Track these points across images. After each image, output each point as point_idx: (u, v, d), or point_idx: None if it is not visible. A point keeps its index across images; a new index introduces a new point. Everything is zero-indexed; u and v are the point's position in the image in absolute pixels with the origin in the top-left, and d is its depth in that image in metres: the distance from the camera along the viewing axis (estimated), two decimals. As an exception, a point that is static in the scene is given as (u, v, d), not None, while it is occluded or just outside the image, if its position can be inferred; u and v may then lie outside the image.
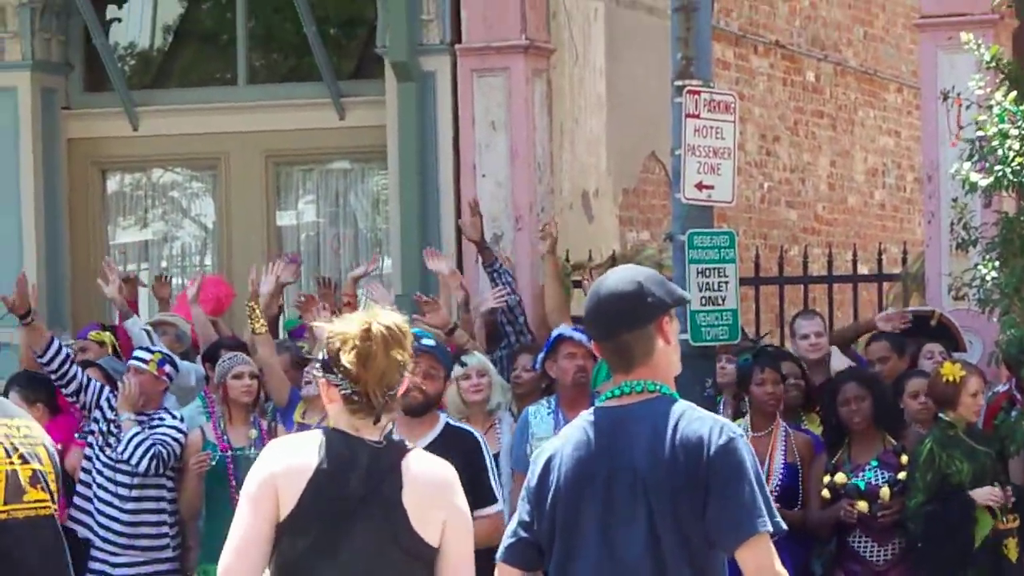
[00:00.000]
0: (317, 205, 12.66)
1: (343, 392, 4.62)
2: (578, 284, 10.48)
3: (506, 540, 4.83)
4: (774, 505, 4.53)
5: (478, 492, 6.19)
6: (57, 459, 4.97)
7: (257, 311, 9.37)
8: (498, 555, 4.85)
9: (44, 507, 4.97)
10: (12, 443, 4.94)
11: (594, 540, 4.61)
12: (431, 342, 7.18)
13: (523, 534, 4.73)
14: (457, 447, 6.43)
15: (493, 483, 6.81)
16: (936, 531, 8.22)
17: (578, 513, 4.63)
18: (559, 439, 4.84)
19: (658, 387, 4.65)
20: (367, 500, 4.63)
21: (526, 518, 4.75)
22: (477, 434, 7.05)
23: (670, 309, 4.70)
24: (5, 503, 4.88)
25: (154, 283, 11.30)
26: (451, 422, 7.03)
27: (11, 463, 4.90)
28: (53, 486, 4.98)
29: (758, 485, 4.52)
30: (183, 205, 13.20)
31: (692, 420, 4.60)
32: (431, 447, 5.78)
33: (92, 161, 12.53)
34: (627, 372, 4.68)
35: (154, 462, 8.63)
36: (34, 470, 4.95)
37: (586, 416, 4.78)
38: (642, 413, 4.64)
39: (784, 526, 4.60)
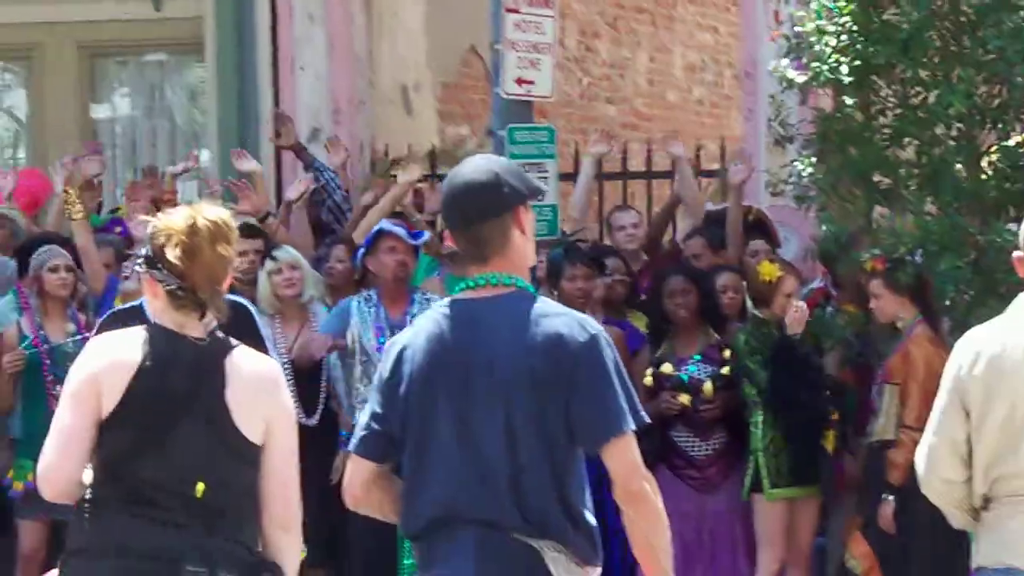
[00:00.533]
0: (132, 98, 12.57)
1: (167, 288, 4.60)
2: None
3: (358, 432, 4.80)
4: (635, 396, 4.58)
5: None
6: None
7: (73, 196, 9.17)
8: (351, 447, 4.83)
9: None
10: None
11: (449, 433, 4.61)
12: None
13: (375, 426, 4.68)
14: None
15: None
16: (785, 387, 8.35)
17: (433, 406, 4.62)
18: (411, 331, 4.80)
19: (514, 280, 4.63)
20: (190, 397, 4.65)
21: (378, 410, 4.71)
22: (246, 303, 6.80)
23: (526, 199, 4.69)
24: None
25: None
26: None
27: None
28: None
29: (620, 382, 4.54)
30: (-5, 97, 12.95)
31: (553, 316, 4.61)
32: None
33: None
34: (482, 264, 4.65)
35: None
36: None
37: (440, 308, 4.75)
38: (499, 307, 4.63)
39: (647, 417, 4.62)
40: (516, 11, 9.10)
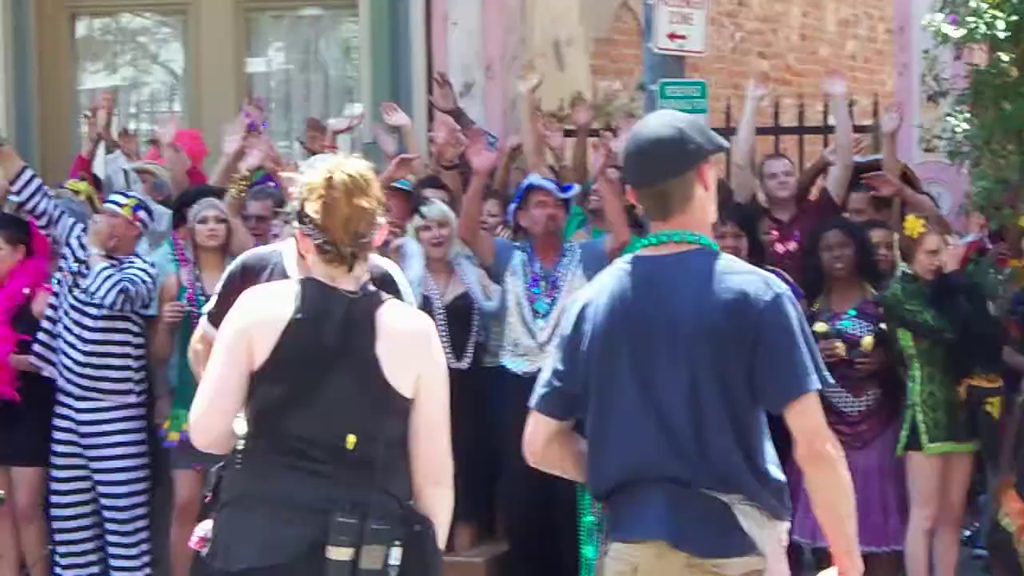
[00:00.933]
0: (287, 53, 12.75)
1: (315, 242, 4.61)
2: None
3: (540, 389, 4.77)
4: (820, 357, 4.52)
5: None
6: None
7: (236, 179, 9.12)
8: (532, 403, 4.81)
9: None
10: None
11: (632, 392, 4.57)
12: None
13: (556, 383, 4.67)
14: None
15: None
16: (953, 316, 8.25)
17: (616, 365, 4.58)
18: (593, 287, 4.75)
19: (697, 238, 4.57)
20: (341, 350, 4.64)
21: (560, 367, 4.69)
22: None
23: (710, 155, 4.61)
24: None
25: (120, 137, 11.20)
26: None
27: None
28: None
29: (805, 342, 4.50)
30: (152, 51, 13.19)
31: (738, 274, 4.55)
32: None
33: (62, 5, 12.41)
34: (665, 220, 4.59)
35: (121, 297, 8.48)
36: None
37: (622, 264, 4.69)
38: (683, 264, 4.57)
39: (831, 379, 4.59)
40: (668, -34, 9.11)
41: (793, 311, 4.46)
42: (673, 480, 4.50)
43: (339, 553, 4.62)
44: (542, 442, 4.74)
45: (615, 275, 4.61)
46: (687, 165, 4.52)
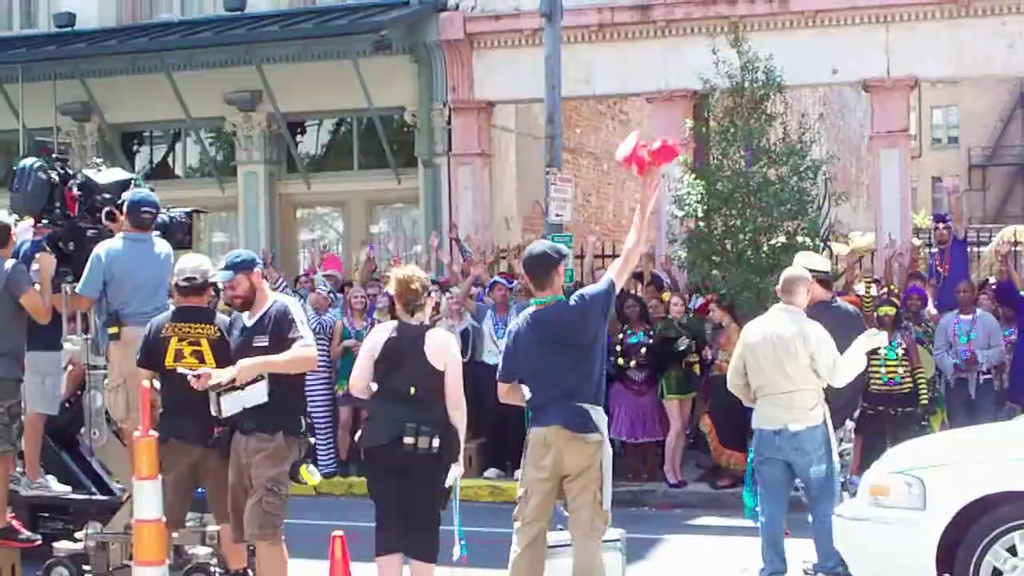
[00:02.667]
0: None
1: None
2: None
3: (500, 368, 8.90)
4: None
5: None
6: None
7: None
8: (498, 375, 8.92)
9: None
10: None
11: (542, 363, 8.61)
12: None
13: (508, 364, 8.79)
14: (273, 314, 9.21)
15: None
16: None
17: (532, 353, 8.63)
18: (519, 321, 8.80)
19: (557, 297, 8.63)
20: (411, 351, 8.71)
21: (510, 357, 8.78)
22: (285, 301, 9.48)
23: (562, 261, 8.62)
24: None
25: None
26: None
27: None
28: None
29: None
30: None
31: (571, 308, 8.55)
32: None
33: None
34: (543, 289, 8.64)
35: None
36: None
37: (531, 310, 8.71)
38: (556, 307, 8.61)
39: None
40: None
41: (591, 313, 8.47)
42: (564, 397, 8.57)
43: (409, 440, 8.66)
44: (505, 391, 8.93)
45: (528, 315, 8.70)
46: (554, 265, 8.59)
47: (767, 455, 10.35)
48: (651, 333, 16.04)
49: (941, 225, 17.83)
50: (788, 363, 10.09)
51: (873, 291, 16.62)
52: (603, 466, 8.54)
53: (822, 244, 16.62)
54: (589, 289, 8.91)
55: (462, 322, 16.74)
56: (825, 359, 10.12)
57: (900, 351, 14.73)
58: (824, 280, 11.66)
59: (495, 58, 20.67)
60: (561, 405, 8.50)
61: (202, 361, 9.24)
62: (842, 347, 10.29)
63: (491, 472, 16.69)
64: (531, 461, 8.69)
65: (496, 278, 17.40)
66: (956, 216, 18.11)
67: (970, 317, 15.67)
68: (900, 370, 14.91)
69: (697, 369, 15.93)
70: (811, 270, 10.91)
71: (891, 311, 15.01)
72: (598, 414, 8.60)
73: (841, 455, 10.88)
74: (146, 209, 10.44)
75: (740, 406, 11.01)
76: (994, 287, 16.85)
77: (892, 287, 16.67)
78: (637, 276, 17.64)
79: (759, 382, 10.23)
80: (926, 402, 15.03)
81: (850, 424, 12.34)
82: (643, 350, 15.70)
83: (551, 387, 8.56)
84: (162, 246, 10.62)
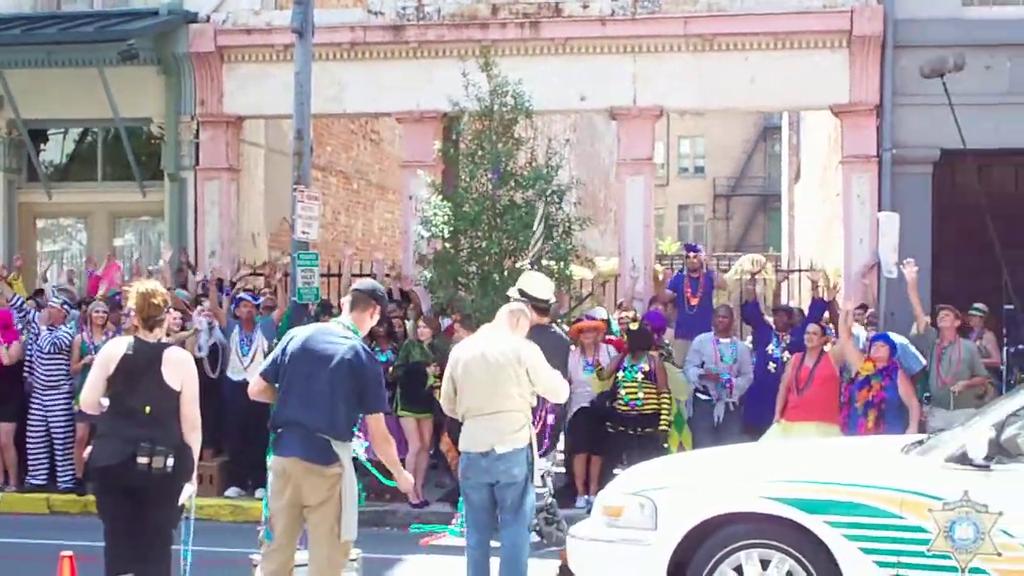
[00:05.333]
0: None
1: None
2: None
3: (264, 366, 8.89)
4: None
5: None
6: None
7: None
8: (259, 371, 8.94)
9: None
10: None
11: (300, 382, 8.63)
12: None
13: (270, 366, 8.85)
14: None
15: None
16: None
17: (294, 366, 8.69)
18: (289, 336, 8.86)
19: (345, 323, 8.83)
20: (146, 368, 8.53)
21: (274, 361, 8.85)
22: None
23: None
24: None
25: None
26: None
27: None
28: None
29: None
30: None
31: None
32: None
33: None
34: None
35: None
36: None
37: (300, 329, 9.01)
38: (325, 329, 8.86)
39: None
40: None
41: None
42: (306, 426, 8.52)
43: (143, 459, 8.45)
44: (260, 387, 8.96)
45: (298, 331, 8.92)
46: (368, 304, 9.07)
47: (473, 478, 10.22)
48: (398, 352, 16.15)
49: (692, 254, 18.29)
50: (498, 383, 10.00)
51: (606, 315, 17.02)
52: (343, 497, 8.51)
53: (567, 268, 16.81)
54: (370, 361, 8.89)
55: (211, 338, 16.74)
56: (542, 376, 10.14)
57: (640, 374, 15.00)
58: (542, 308, 11.75)
59: (246, 72, 20.54)
60: (303, 434, 8.48)
61: None
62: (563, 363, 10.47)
63: (232, 491, 16.62)
64: (273, 489, 8.69)
65: (242, 294, 17.35)
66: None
67: (728, 340, 16.14)
68: (641, 393, 15.24)
69: (437, 394, 15.90)
70: (531, 297, 11.13)
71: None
72: (340, 444, 8.58)
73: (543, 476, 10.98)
74: None
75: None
76: (743, 304, 17.52)
77: (635, 312, 16.96)
78: (404, 294, 17.92)
79: (467, 404, 10.09)
80: (666, 426, 15.35)
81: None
82: (390, 369, 15.68)
83: (298, 408, 8.53)
84: None
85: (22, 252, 20.53)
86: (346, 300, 9.27)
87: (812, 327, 14.98)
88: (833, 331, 15.75)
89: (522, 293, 10.93)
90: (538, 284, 11.73)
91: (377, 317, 9.30)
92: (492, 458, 9.90)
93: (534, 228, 16.08)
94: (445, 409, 10.41)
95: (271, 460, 8.68)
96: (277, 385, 8.80)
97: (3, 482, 16.65)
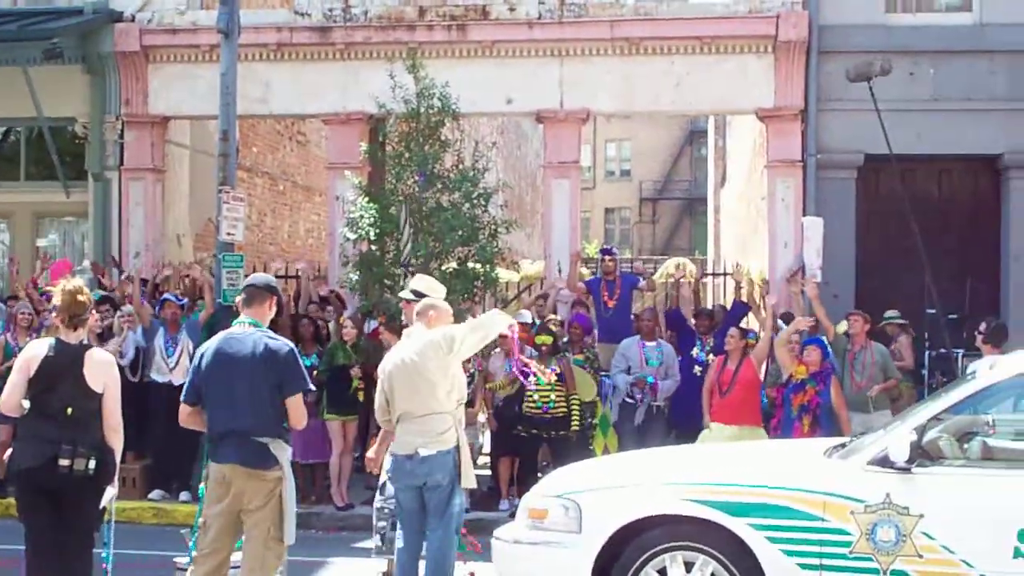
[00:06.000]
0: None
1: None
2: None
3: (186, 390, 8.79)
4: None
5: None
6: None
7: None
8: (183, 398, 8.81)
9: None
10: None
11: (223, 391, 8.63)
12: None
13: (192, 388, 8.83)
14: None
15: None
16: None
17: (215, 378, 8.63)
18: (207, 345, 8.87)
19: (254, 322, 8.85)
20: (68, 370, 8.43)
21: (194, 381, 8.79)
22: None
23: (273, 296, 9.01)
24: None
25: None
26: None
27: None
28: None
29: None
30: None
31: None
32: None
33: None
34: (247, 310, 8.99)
35: None
36: None
37: (220, 335, 8.82)
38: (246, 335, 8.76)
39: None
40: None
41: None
42: (241, 432, 8.50)
43: (64, 462, 8.36)
44: (186, 415, 8.88)
45: (217, 339, 8.82)
46: (267, 297, 9.09)
47: (401, 480, 10.15)
48: (322, 355, 16.03)
49: (607, 257, 18.31)
50: (422, 385, 9.91)
51: (531, 319, 16.95)
52: (284, 499, 8.56)
53: (493, 271, 16.82)
54: (279, 345, 8.92)
55: (129, 342, 16.55)
56: (472, 337, 10.00)
57: (553, 376, 15.03)
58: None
59: (171, 72, 20.43)
60: (238, 441, 8.51)
61: None
62: None
63: (155, 494, 16.47)
64: (211, 496, 8.67)
65: (167, 295, 17.19)
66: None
67: (654, 343, 16.14)
68: (553, 395, 15.30)
69: (361, 395, 15.77)
70: (419, 295, 10.77)
71: (548, 340, 15.43)
72: (278, 446, 8.60)
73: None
74: None
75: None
76: (666, 312, 17.64)
77: (554, 316, 16.99)
78: (323, 299, 17.83)
79: (399, 411, 9.99)
80: (577, 427, 15.39)
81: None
82: (314, 373, 15.51)
83: (229, 419, 8.56)
84: None
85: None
86: (239, 299, 9.26)
87: (732, 330, 14.99)
88: (756, 334, 15.77)
89: (416, 294, 10.76)
90: (429, 283, 11.17)
91: (275, 308, 9.29)
92: (416, 461, 9.83)
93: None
94: (380, 422, 10.28)
95: (209, 467, 8.67)
96: (200, 405, 8.82)
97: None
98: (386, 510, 11.10)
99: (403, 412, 9.93)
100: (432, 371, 9.89)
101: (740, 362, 14.58)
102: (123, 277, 18.45)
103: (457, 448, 10.10)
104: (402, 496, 10.22)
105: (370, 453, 10.75)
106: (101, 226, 20.20)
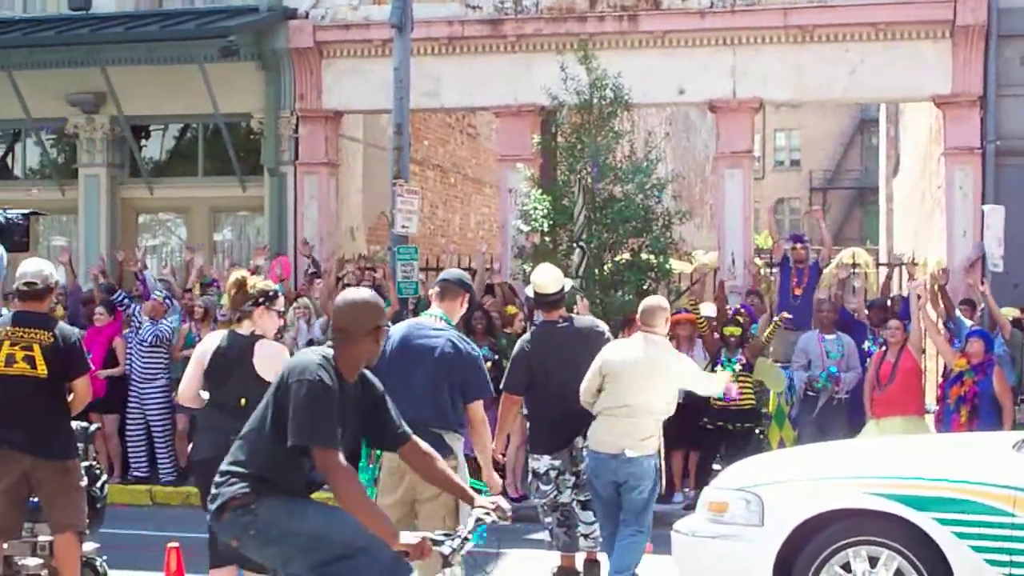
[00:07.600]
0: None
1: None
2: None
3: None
4: None
5: None
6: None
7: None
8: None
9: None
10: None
11: (406, 381, 8.43)
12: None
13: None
14: None
15: None
16: None
17: (396, 372, 8.46)
18: (395, 332, 8.83)
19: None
20: (238, 361, 8.60)
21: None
22: None
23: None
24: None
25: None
26: None
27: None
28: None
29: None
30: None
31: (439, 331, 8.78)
32: None
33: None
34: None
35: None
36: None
37: (406, 324, 8.99)
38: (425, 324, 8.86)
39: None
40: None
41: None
42: (417, 423, 7.45)
43: None
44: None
45: (402, 328, 8.98)
46: (459, 294, 9.00)
47: (603, 477, 10.28)
48: (496, 347, 15.90)
49: (799, 245, 18.03)
50: (647, 388, 10.05)
51: (710, 311, 16.71)
52: None
53: (666, 262, 16.73)
54: (468, 348, 8.89)
55: (308, 333, 16.70)
56: (694, 378, 10.35)
57: (739, 367, 14.91)
58: (554, 301, 10.68)
59: (344, 68, 20.66)
60: (415, 431, 8.38)
61: (33, 367, 9.03)
62: (574, 362, 10.30)
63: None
64: (385, 486, 8.62)
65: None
66: (828, 245, 18.35)
67: (833, 336, 15.89)
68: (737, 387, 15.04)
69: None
70: (537, 294, 10.59)
71: (736, 331, 15.33)
72: (452, 437, 8.54)
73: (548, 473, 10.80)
74: (-24, 211, 10.16)
75: (555, 415, 10.56)
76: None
77: (737, 307, 16.82)
78: (488, 289, 17.79)
79: (623, 402, 10.05)
80: (767, 411, 15.35)
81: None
82: (488, 364, 15.56)
83: (408, 408, 8.26)
84: (-5, 247, 10.44)
85: (124, 247, 20.69)
86: (433, 291, 9.26)
87: (893, 322, 14.84)
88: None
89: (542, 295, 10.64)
90: (542, 275, 10.78)
91: (466, 305, 9.34)
92: (622, 460, 10.00)
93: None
94: (584, 403, 10.24)
95: (384, 457, 8.66)
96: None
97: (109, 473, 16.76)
98: (546, 506, 11.08)
99: (630, 404, 10.00)
100: (673, 376, 10.17)
101: (900, 353, 14.47)
102: (312, 272, 18.49)
103: (659, 454, 10.29)
104: (599, 485, 10.37)
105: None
106: (276, 220, 20.48)
